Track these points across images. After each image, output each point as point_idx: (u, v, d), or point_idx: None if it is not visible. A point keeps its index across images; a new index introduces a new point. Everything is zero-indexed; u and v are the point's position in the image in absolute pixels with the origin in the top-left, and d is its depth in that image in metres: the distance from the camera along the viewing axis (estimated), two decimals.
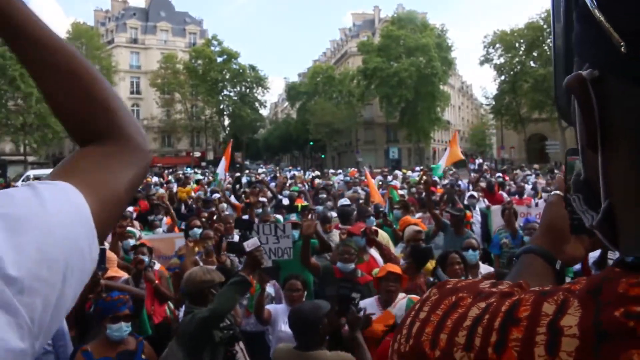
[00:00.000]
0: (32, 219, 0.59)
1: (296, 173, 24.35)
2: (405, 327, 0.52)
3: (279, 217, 8.02)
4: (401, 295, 4.01)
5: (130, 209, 10.20)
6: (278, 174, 25.27)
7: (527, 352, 0.42)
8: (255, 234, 5.33)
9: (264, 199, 10.44)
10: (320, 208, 8.95)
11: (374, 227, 6.13)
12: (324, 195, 11.40)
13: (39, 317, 0.56)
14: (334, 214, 7.96)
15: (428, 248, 5.24)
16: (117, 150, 0.79)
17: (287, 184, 16.04)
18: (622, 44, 0.40)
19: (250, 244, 3.71)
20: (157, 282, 5.21)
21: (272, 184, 15.41)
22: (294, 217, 8.08)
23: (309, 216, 5.42)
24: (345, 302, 3.47)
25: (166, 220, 8.84)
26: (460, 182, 15.77)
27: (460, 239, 6.42)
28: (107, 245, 6.65)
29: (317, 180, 18.65)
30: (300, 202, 9.93)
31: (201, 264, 5.37)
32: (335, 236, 6.46)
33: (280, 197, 11.56)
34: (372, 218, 7.11)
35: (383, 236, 6.37)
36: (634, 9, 0.40)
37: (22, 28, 0.71)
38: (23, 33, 0.71)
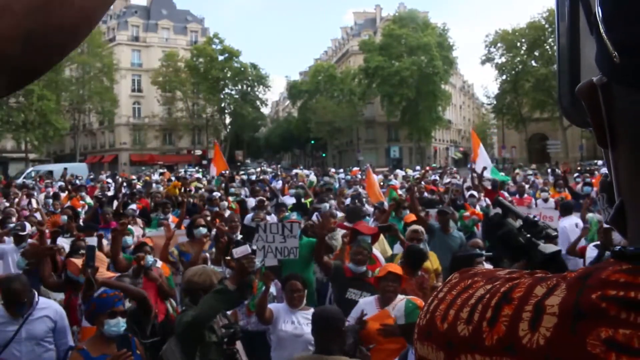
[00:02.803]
0: None
1: (298, 172, 24.45)
2: (427, 304, 0.59)
3: (287, 214, 8.12)
4: (400, 296, 4.01)
5: (134, 206, 10.23)
6: (279, 172, 25.27)
7: (513, 326, 0.47)
8: (263, 233, 5.30)
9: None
10: (327, 205, 8.97)
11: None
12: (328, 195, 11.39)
13: None
14: (339, 213, 8.00)
15: (422, 249, 5.28)
16: None
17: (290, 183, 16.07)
18: (614, 54, 0.45)
19: (239, 251, 3.56)
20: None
21: (277, 183, 15.41)
22: (294, 215, 8.09)
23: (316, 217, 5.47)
24: (355, 334, 3.45)
25: (172, 218, 8.85)
26: (455, 182, 15.78)
27: (447, 237, 6.69)
28: (105, 242, 6.67)
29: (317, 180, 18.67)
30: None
31: (209, 262, 5.39)
32: (339, 235, 6.49)
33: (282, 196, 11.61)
34: (367, 218, 7.11)
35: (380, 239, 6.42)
36: (624, 24, 0.45)
37: None
38: None
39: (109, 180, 20.83)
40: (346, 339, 3.31)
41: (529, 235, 1.94)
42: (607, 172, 0.59)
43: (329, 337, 3.23)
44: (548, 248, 1.91)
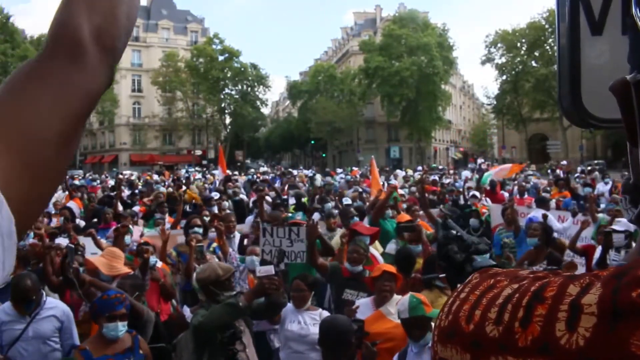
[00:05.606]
0: None
1: (299, 172, 24.54)
2: (447, 305, 0.57)
3: (292, 214, 8.15)
4: (397, 296, 3.99)
5: (137, 208, 10.24)
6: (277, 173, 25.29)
7: (549, 326, 0.45)
8: (270, 237, 5.26)
9: (269, 199, 10.56)
10: (329, 206, 8.98)
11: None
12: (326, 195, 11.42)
13: None
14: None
15: (411, 252, 5.25)
16: (58, 67, 0.57)
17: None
18: None
19: (262, 270, 3.48)
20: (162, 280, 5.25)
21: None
22: (299, 216, 8.11)
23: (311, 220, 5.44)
24: (359, 332, 3.35)
25: (168, 219, 8.89)
26: (457, 182, 15.87)
27: None
28: (104, 242, 6.69)
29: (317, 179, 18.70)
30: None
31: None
32: (337, 235, 6.48)
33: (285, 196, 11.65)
34: (355, 218, 7.04)
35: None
36: None
37: None
38: None
39: (112, 180, 20.84)
40: (353, 348, 3.28)
41: (465, 254, 2.04)
42: (629, 175, 0.59)
43: (338, 350, 3.20)
44: (480, 263, 2.00)
